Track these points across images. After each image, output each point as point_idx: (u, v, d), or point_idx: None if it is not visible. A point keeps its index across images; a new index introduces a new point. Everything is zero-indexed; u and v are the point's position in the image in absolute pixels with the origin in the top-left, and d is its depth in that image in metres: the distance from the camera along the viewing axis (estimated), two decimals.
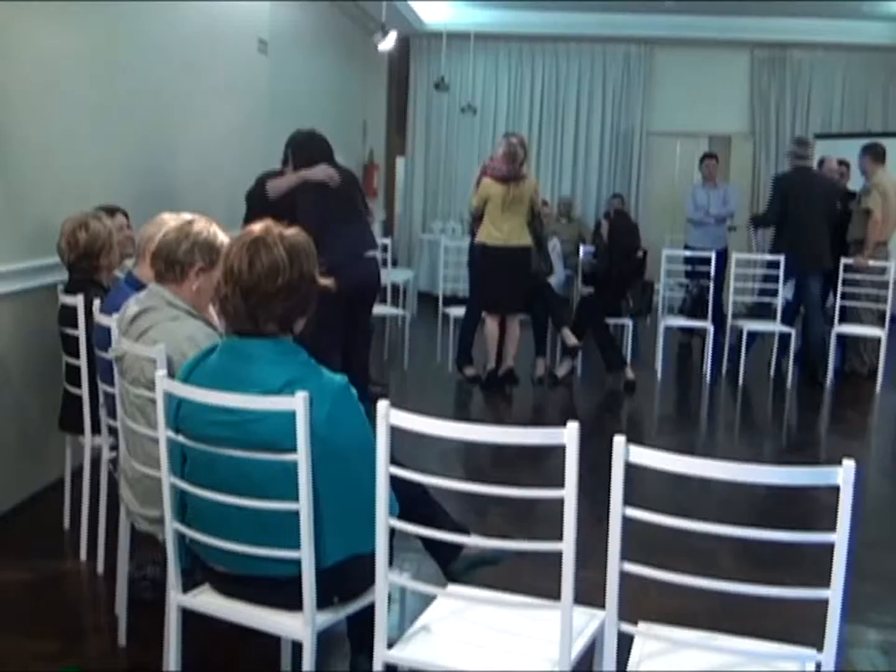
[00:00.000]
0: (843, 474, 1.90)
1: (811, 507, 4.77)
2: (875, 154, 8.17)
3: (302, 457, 2.29)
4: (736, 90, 12.33)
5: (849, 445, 6.78)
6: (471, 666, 2.26)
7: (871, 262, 7.89)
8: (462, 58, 12.18)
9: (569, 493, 2.05)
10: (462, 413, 7.05)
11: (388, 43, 8.84)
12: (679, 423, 7.26)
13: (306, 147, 5.85)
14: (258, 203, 5.73)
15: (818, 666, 2.06)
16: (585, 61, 12.30)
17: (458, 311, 7.91)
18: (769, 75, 12.23)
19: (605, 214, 8.74)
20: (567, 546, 2.07)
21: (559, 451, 2.06)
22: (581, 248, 8.66)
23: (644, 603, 2.80)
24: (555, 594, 2.16)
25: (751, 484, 2.03)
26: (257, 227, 2.50)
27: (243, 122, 7.39)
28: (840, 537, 1.94)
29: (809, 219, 7.94)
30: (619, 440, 1.98)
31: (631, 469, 2.04)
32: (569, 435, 2.01)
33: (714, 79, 12.18)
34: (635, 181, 12.33)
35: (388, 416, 2.19)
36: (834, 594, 1.96)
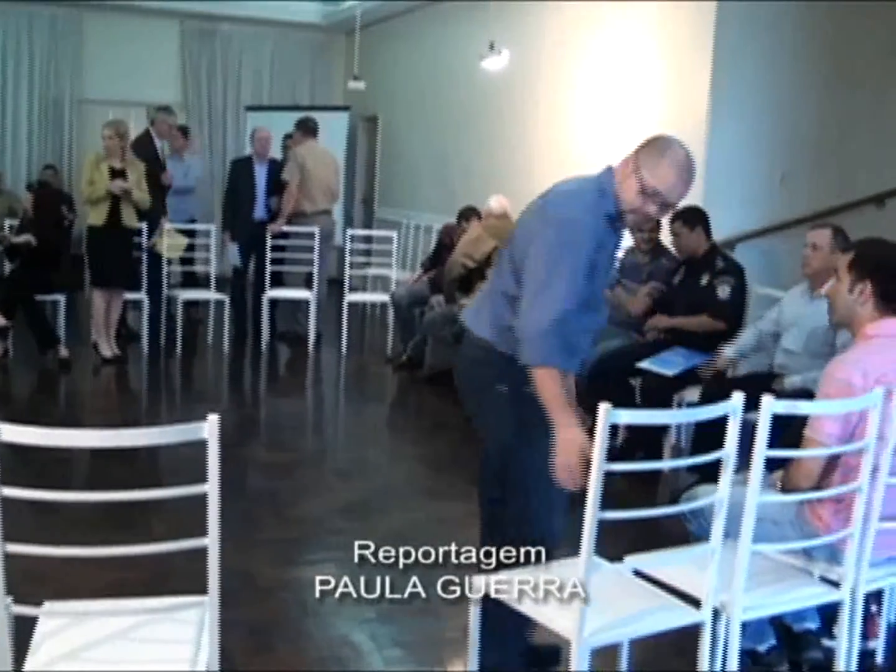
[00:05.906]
0: (209, 429, 2.03)
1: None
2: (306, 128, 8.67)
3: None
4: (168, 60, 12.31)
5: (282, 403, 7.20)
6: None
7: (286, 228, 8.31)
8: None
9: None
10: None
11: None
12: (119, 397, 7.19)
13: None
14: None
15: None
16: (10, 23, 11.52)
17: None
18: (199, 47, 12.37)
19: (29, 186, 8.35)
20: None
21: None
22: (7, 222, 8.17)
23: (83, 581, 2.83)
24: None
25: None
26: None
27: None
28: (212, 487, 2.06)
29: None
30: None
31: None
32: None
33: (146, 48, 12.00)
34: (68, 151, 11.86)
35: None
36: (212, 541, 2.08)
